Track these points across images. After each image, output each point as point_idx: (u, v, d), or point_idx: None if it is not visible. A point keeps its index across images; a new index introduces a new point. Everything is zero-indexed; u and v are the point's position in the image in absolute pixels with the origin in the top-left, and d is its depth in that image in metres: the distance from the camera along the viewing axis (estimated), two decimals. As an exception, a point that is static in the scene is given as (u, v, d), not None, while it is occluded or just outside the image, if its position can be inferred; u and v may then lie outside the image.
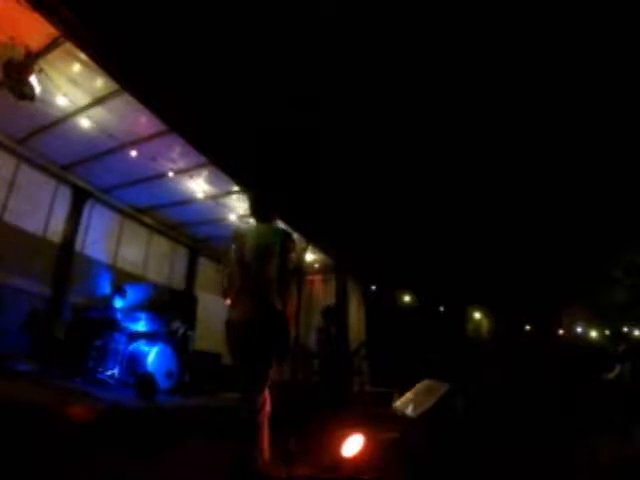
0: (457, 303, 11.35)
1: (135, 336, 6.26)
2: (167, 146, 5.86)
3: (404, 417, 4.27)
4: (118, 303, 6.54)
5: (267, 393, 2.80)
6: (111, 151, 6.04)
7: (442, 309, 10.79)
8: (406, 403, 4.60)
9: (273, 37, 8.65)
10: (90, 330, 6.02)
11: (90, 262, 7.27)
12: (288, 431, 3.06)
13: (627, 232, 10.59)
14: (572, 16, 7.90)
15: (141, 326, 6.39)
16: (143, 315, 6.48)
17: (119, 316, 6.28)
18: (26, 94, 4.36)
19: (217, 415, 4.26)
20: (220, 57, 8.30)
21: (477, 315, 11.95)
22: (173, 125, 5.38)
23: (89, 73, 4.74)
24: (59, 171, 6.76)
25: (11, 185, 6.18)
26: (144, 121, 5.38)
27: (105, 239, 7.64)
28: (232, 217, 7.63)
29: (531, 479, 3.68)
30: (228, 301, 2.88)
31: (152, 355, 6.02)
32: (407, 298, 10.27)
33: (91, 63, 4.50)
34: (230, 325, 2.82)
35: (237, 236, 2.94)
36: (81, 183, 7.03)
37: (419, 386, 4.90)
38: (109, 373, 5.73)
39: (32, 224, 6.47)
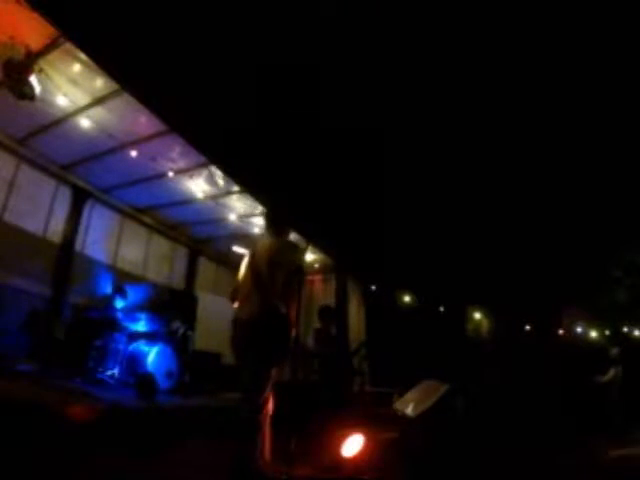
0: (457, 303, 11.35)
1: (135, 336, 6.26)
2: (167, 146, 5.86)
3: (404, 417, 4.27)
4: (118, 303, 6.54)
5: (269, 393, 2.83)
6: (111, 151, 6.05)
7: (442, 309, 10.79)
8: (406, 403, 4.60)
9: (273, 37, 8.65)
10: (90, 330, 6.02)
11: (90, 262, 7.27)
12: (288, 431, 3.06)
13: (627, 232, 10.59)
14: (572, 16, 7.90)
15: (141, 326, 6.39)
16: (143, 315, 6.48)
17: (119, 316, 6.28)
18: (26, 94, 4.37)
19: (217, 415, 4.27)
20: (218, 57, 8.30)
21: (477, 315, 11.96)
22: (173, 125, 5.38)
23: (89, 73, 4.74)
24: (59, 171, 6.76)
25: (11, 185, 6.18)
26: (144, 121, 5.38)
27: (105, 239, 7.64)
28: (232, 217, 7.64)
29: (531, 479, 3.68)
30: (236, 304, 3.07)
31: (152, 355, 6.02)
32: (407, 298, 10.27)
33: (91, 63, 4.50)
34: (236, 323, 2.97)
35: (252, 249, 3.23)
36: (81, 183, 7.03)
37: (419, 386, 4.90)
38: (109, 373, 5.73)
39: (32, 224, 6.47)
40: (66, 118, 5.48)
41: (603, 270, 11.46)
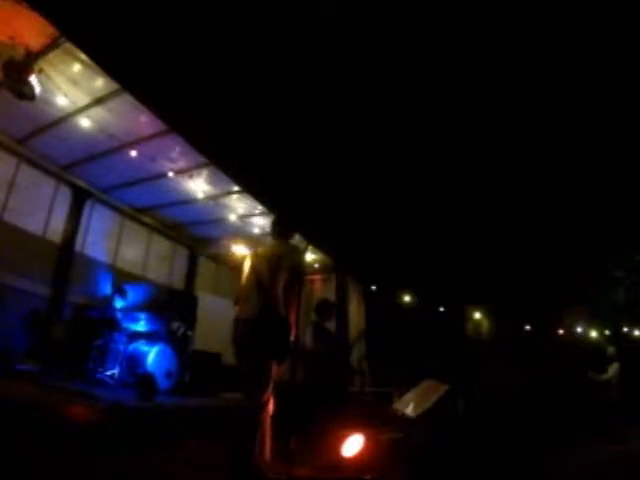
0: (457, 303, 11.35)
1: (135, 336, 6.26)
2: (167, 146, 5.85)
3: (404, 417, 4.27)
4: (118, 303, 6.54)
5: (271, 393, 2.84)
6: (111, 151, 6.04)
7: (442, 309, 10.79)
8: (406, 403, 4.59)
9: (272, 36, 8.65)
10: (90, 330, 6.02)
11: (90, 262, 7.27)
12: (288, 431, 3.06)
13: (628, 232, 10.59)
14: (573, 16, 7.90)
15: (141, 326, 6.39)
16: (143, 315, 6.47)
17: (119, 316, 6.28)
18: (26, 94, 4.36)
19: (217, 415, 4.27)
20: (218, 57, 8.30)
21: (477, 315, 11.96)
22: (173, 125, 5.38)
23: (89, 73, 4.73)
24: (59, 171, 6.76)
25: (11, 185, 6.17)
26: (144, 121, 5.38)
27: (105, 239, 7.63)
28: (232, 217, 7.63)
29: (530, 479, 3.68)
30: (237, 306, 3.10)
31: (152, 355, 6.01)
32: (407, 298, 10.28)
33: (91, 63, 4.50)
34: (236, 322, 3.00)
35: (253, 251, 3.32)
36: (81, 183, 7.03)
37: (419, 386, 4.90)
38: (109, 373, 5.74)
39: (32, 224, 6.46)
40: (66, 118, 5.47)
41: (603, 270, 11.47)
